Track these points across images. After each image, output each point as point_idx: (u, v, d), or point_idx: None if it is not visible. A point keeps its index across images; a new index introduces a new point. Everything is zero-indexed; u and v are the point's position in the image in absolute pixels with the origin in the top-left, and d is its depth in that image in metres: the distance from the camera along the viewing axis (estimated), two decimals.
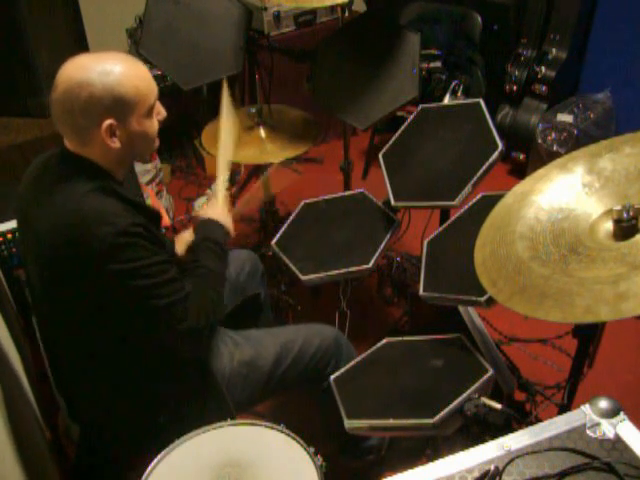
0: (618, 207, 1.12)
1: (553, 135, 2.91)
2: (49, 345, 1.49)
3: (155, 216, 1.40)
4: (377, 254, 1.79)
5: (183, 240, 1.67)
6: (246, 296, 1.89)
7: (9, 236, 1.83)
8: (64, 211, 1.24)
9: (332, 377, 1.61)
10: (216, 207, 1.64)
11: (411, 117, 1.93)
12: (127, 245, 1.22)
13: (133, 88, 1.26)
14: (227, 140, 1.81)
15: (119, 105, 1.25)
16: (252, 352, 1.59)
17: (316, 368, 1.65)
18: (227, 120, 1.84)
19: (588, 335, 1.34)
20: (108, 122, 1.24)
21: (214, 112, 2.47)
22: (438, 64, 2.92)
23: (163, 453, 1.18)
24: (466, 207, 1.76)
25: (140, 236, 1.24)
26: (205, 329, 1.35)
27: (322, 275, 1.78)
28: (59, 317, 1.36)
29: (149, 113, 1.32)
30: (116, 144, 1.27)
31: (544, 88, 3.03)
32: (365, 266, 1.77)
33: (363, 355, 1.67)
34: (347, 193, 2.11)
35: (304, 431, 1.24)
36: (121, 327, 1.32)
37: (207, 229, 1.55)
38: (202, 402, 1.47)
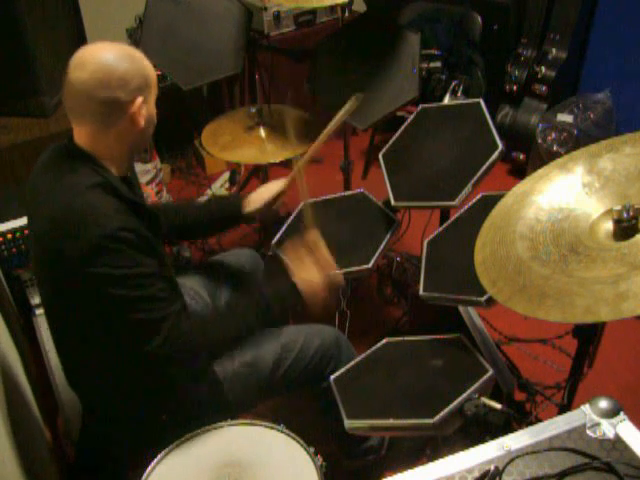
0: (618, 207, 1.12)
1: (553, 135, 2.91)
2: (57, 340, 1.49)
3: (155, 218, 1.40)
4: (377, 254, 1.79)
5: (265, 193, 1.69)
6: None
7: (9, 236, 1.83)
8: (60, 208, 1.24)
9: (332, 377, 1.61)
10: (318, 282, 1.48)
11: (411, 117, 1.93)
12: (110, 250, 1.20)
13: (151, 71, 1.33)
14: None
15: (146, 85, 1.30)
16: (253, 353, 1.59)
17: (316, 368, 1.65)
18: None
19: (588, 335, 1.34)
20: (140, 98, 1.28)
21: (214, 112, 2.48)
22: (438, 64, 2.91)
23: (163, 453, 1.18)
24: (466, 207, 1.76)
25: (127, 243, 1.22)
26: (172, 356, 1.29)
27: None
28: (60, 314, 1.37)
29: (155, 101, 1.37)
30: (142, 123, 1.31)
31: (544, 88, 3.03)
32: (365, 266, 1.77)
33: (363, 355, 1.67)
34: (347, 193, 2.11)
35: (304, 431, 1.24)
36: (106, 331, 1.31)
37: (287, 298, 1.46)
38: (203, 402, 1.47)
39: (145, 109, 1.31)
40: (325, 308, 1.48)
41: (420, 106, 1.93)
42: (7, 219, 1.83)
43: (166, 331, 1.27)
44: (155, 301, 1.27)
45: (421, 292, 1.62)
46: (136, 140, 1.35)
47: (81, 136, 1.31)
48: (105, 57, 1.26)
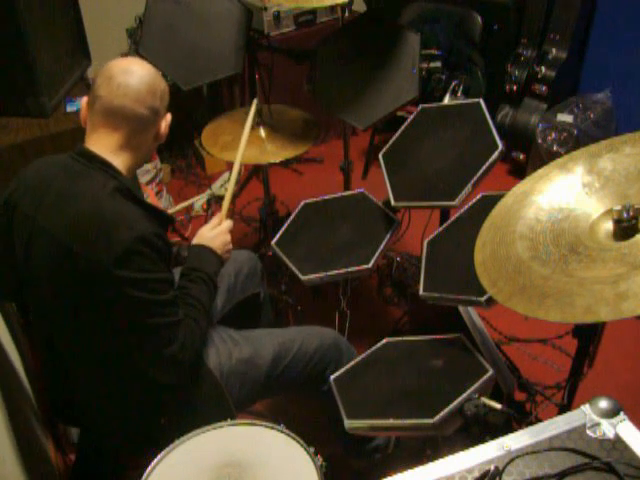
0: (618, 207, 1.12)
1: (553, 135, 2.91)
2: (50, 347, 1.48)
3: (168, 221, 1.41)
4: (377, 254, 1.79)
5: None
6: (245, 296, 1.89)
7: None
8: (82, 211, 1.24)
9: (332, 377, 1.61)
10: (215, 229, 1.59)
11: (411, 117, 1.93)
12: (141, 253, 1.23)
13: None
14: (240, 158, 1.78)
15: (168, 104, 1.41)
16: (251, 350, 1.59)
17: (315, 369, 1.65)
18: (245, 139, 1.79)
19: (588, 335, 1.34)
20: (169, 115, 1.42)
21: (214, 112, 2.48)
22: (438, 64, 2.91)
23: (163, 453, 1.18)
24: (466, 207, 1.76)
25: (155, 249, 1.25)
26: (186, 360, 1.34)
27: (322, 275, 1.78)
28: (65, 319, 1.35)
29: None
30: (163, 139, 1.42)
31: (544, 88, 3.03)
32: (365, 266, 1.77)
33: (363, 355, 1.67)
34: (347, 193, 2.10)
35: (304, 431, 1.24)
36: (118, 333, 1.31)
37: (202, 258, 1.52)
38: (202, 402, 1.47)
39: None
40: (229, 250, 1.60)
41: (420, 106, 1.93)
42: None
43: (182, 334, 1.31)
44: (172, 305, 1.31)
45: (421, 292, 1.62)
46: (150, 153, 1.43)
47: (100, 140, 1.32)
48: (149, 69, 1.35)
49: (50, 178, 1.33)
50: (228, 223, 1.62)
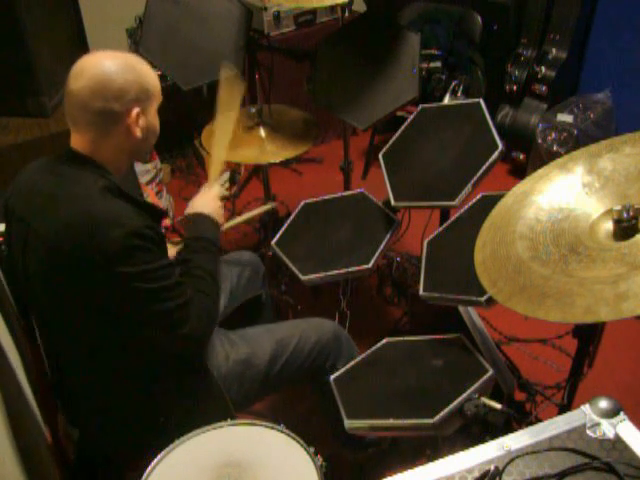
0: (618, 207, 1.12)
1: (553, 135, 2.91)
2: (51, 349, 1.48)
3: (160, 214, 1.41)
4: (377, 254, 1.79)
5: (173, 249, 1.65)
6: (247, 298, 1.89)
7: None
8: (72, 212, 1.24)
9: (332, 377, 1.61)
10: (205, 195, 1.61)
11: (411, 117, 1.93)
12: (138, 247, 1.22)
13: (153, 82, 1.35)
14: (224, 130, 1.81)
15: (144, 95, 1.32)
16: (248, 350, 1.59)
17: (314, 363, 1.65)
18: (225, 113, 1.83)
19: (588, 335, 1.34)
20: (137, 110, 1.30)
21: (214, 112, 2.47)
22: (438, 64, 2.92)
23: (163, 453, 1.18)
24: (466, 207, 1.76)
25: (150, 239, 1.25)
26: (205, 333, 1.36)
27: (322, 275, 1.78)
28: (62, 320, 1.35)
29: (157, 110, 1.39)
30: (139, 133, 1.33)
31: (544, 88, 3.03)
32: (365, 266, 1.77)
33: (363, 355, 1.67)
34: (347, 193, 2.10)
35: (304, 431, 1.24)
36: (123, 330, 1.31)
37: (198, 226, 1.53)
38: (201, 402, 1.47)
39: (143, 120, 1.33)
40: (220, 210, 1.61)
41: (420, 106, 1.93)
42: None
43: (195, 311, 1.32)
44: (179, 286, 1.32)
45: (421, 292, 1.62)
46: (134, 149, 1.37)
47: (80, 142, 1.32)
48: (103, 68, 1.27)
49: (41, 181, 1.33)
50: (216, 188, 1.64)
